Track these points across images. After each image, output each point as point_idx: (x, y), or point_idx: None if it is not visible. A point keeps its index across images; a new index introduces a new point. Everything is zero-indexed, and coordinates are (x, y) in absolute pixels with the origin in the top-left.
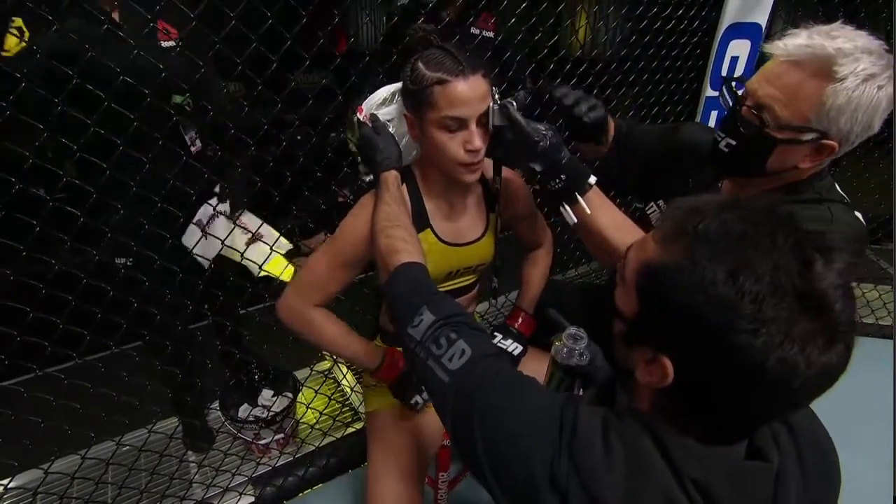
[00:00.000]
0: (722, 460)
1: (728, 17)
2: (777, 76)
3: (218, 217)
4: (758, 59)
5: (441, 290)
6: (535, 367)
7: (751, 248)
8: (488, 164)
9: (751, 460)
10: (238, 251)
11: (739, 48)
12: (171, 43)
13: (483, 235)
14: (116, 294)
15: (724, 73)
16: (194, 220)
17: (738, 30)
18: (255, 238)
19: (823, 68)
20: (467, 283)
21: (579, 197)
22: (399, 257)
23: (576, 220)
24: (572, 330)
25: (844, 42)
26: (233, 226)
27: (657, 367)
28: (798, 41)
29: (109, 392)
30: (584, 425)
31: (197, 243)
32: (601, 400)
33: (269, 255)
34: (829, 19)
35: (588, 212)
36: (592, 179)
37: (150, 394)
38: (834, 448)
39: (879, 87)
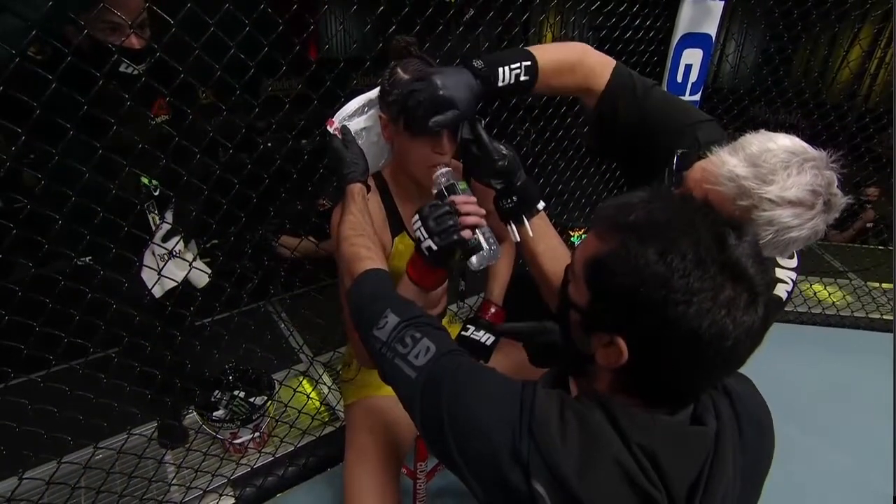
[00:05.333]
0: (665, 426)
1: (681, 28)
2: (705, 193)
3: (175, 255)
4: (709, 70)
5: None
6: (504, 358)
7: (674, 231)
8: (455, 166)
9: (692, 426)
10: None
11: (692, 57)
12: (164, 118)
13: None
14: (95, 298)
15: (679, 79)
16: (153, 242)
17: (691, 39)
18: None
19: (743, 210)
20: None
21: (525, 220)
22: (363, 264)
23: (518, 239)
24: (443, 169)
25: (775, 190)
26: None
27: (613, 348)
28: (736, 168)
29: (87, 395)
30: (542, 404)
31: (161, 269)
32: (556, 385)
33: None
34: (773, 37)
35: (530, 235)
36: (541, 206)
37: (127, 396)
38: (770, 417)
39: (790, 237)
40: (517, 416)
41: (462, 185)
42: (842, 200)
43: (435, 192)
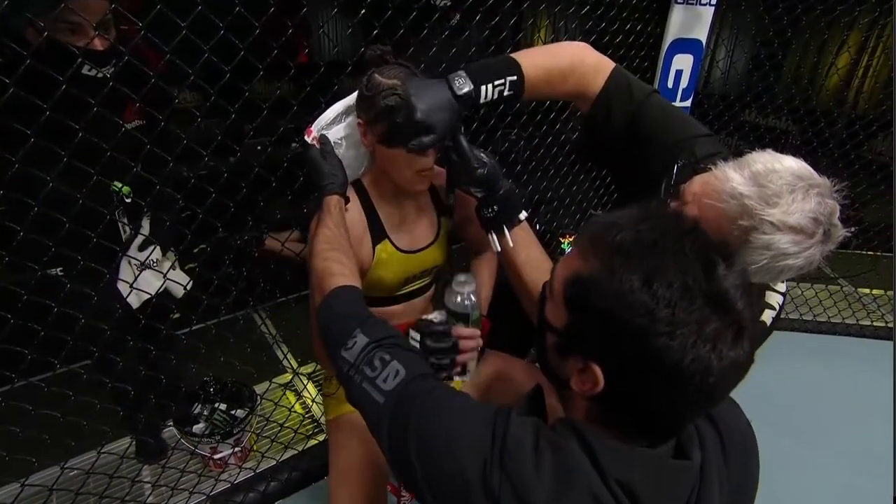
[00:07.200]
0: (645, 461)
1: (671, 33)
2: (704, 208)
3: (151, 265)
4: (700, 75)
5: (400, 293)
6: (491, 367)
7: (661, 256)
8: (438, 171)
9: (675, 459)
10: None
11: (683, 62)
12: (137, 123)
13: (436, 239)
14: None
15: (669, 85)
16: (127, 255)
17: (681, 45)
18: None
19: (742, 231)
20: (423, 284)
21: (506, 229)
22: (334, 280)
23: (500, 249)
24: (462, 277)
25: (778, 214)
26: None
27: (589, 375)
28: (740, 187)
29: (53, 414)
30: (515, 434)
31: (134, 280)
32: (531, 411)
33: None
34: (763, 42)
35: (510, 245)
36: (523, 215)
37: (98, 413)
38: (755, 441)
39: (785, 264)
40: (489, 445)
41: (476, 315)
42: (841, 233)
43: (449, 306)
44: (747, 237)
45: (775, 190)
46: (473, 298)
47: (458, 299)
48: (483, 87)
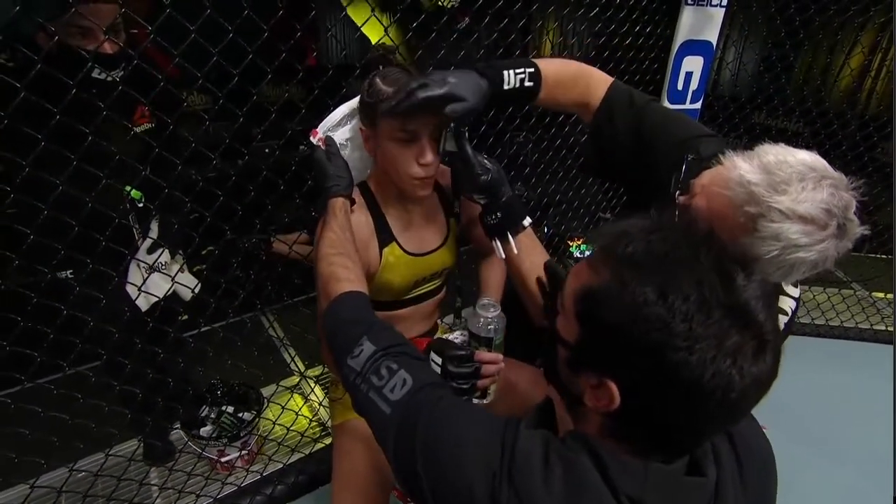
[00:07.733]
0: (658, 477)
1: (681, 35)
2: (713, 198)
3: (159, 268)
4: (709, 77)
5: (409, 297)
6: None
7: (675, 267)
8: (444, 171)
9: (689, 475)
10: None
11: (693, 64)
12: (147, 126)
13: (445, 241)
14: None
15: (679, 87)
16: (136, 258)
17: (692, 47)
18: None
19: (749, 218)
20: (434, 286)
21: (510, 236)
22: (340, 286)
23: (504, 257)
24: (486, 300)
25: (787, 201)
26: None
27: (604, 391)
28: (748, 174)
29: (62, 416)
30: (524, 447)
31: (143, 283)
32: (541, 423)
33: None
34: (775, 44)
35: (514, 252)
36: (527, 222)
37: (106, 415)
38: (773, 457)
39: (797, 257)
40: (497, 459)
41: (499, 339)
42: (858, 229)
43: (472, 330)
44: (755, 225)
45: (784, 177)
46: (498, 323)
47: (482, 323)
48: (506, 72)
